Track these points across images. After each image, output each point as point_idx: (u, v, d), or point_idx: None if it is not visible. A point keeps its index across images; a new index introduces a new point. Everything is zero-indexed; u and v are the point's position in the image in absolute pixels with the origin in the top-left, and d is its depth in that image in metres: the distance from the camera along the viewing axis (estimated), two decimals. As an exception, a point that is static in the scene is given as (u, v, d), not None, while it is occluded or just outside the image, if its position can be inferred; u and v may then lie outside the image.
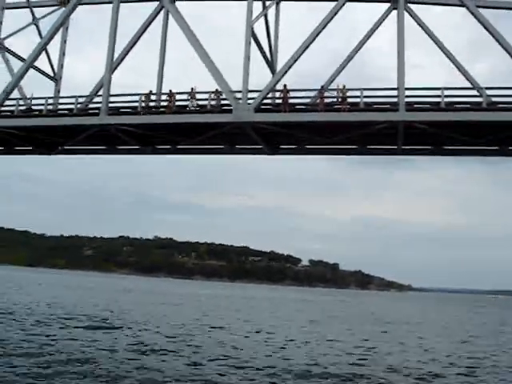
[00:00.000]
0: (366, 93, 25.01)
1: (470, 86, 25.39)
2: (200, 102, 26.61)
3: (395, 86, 24.00)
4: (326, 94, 25.65)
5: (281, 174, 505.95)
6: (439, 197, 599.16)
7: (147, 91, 27.82)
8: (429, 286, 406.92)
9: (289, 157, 30.76)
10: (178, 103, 26.92)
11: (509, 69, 23.66)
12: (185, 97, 27.10)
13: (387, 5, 26.83)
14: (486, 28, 23.41)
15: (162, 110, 27.26)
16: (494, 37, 23.28)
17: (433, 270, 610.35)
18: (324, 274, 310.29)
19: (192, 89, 26.61)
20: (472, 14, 23.77)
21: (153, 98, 27.76)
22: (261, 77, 26.89)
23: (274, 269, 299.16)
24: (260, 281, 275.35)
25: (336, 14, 24.84)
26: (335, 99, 25.63)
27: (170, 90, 27.00)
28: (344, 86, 25.02)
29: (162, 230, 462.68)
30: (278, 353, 29.73)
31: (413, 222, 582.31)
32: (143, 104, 27.28)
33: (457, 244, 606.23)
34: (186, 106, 26.75)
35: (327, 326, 47.38)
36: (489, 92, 24.39)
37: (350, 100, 25.20)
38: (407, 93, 24.02)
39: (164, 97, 27.64)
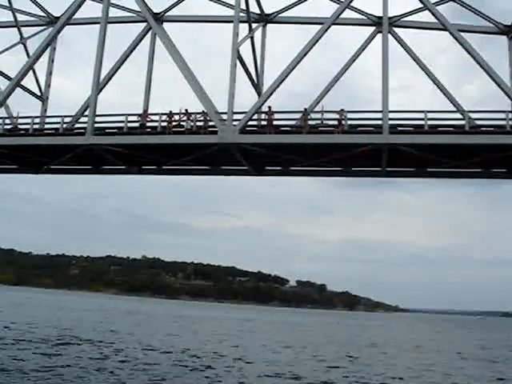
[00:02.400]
0: (351, 115, 25.27)
1: (453, 108, 25.84)
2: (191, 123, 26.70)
3: (380, 109, 24.19)
4: (311, 116, 25.88)
5: (270, 195, 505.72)
6: (426, 218, 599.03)
7: (137, 111, 27.97)
8: (415, 307, 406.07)
9: (277, 178, 30.89)
10: (163, 124, 26.97)
11: (495, 91, 23.94)
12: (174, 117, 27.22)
13: (373, 28, 27.27)
14: (468, 52, 23.69)
15: (148, 130, 27.35)
16: (476, 60, 23.56)
17: (420, 291, 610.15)
18: (311, 295, 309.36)
19: (186, 110, 26.69)
20: (455, 38, 24.05)
21: (153, 118, 27.76)
22: (248, 98, 27.09)
23: (261, 289, 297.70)
24: (247, 301, 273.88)
25: (321, 36, 25.12)
26: (320, 121, 25.84)
27: (170, 111, 26.95)
28: (342, 110, 25.10)
29: (149, 249, 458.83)
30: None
31: (400, 243, 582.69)
32: (138, 124, 27.36)
33: (444, 265, 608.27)
34: (175, 126, 26.77)
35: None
36: (473, 115, 24.72)
37: (333, 123, 25.41)
38: (392, 115, 24.24)
39: (164, 117, 27.49)
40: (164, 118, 26.84)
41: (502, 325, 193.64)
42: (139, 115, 27.71)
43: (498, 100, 24.49)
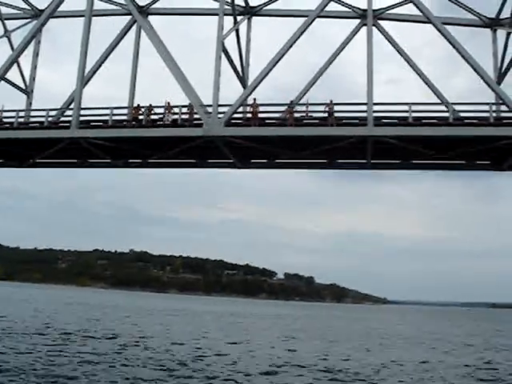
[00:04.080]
0: (336, 107, 25.35)
1: (438, 101, 25.98)
2: (173, 116, 26.72)
3: (365, 101, 24.28)
4: (296, 109, 25.95)
5: (258, 188, 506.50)
6: (416, 210, 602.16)
7: (125, 105, 28.02)
8: (403, 298, 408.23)
9: (266, 171, 30.97)
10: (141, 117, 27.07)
11: (481, 84, 24.05)
12: (158, 111, 27.24)
13: (358, 21, 27.34)
14: (452, 44, 23.83)
15: (133, 123, 27.32)
16: (459, 53, 23.69)
17: (408, 283, 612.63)
18: (299, 288, 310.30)
19: (168, 103, 26.71)
20: (439, 30, 24.19)
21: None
22: (234, 91, 27.13)
23: (249, 282, 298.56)
24: (236, 294, 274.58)
25: (306, 29, 25.21)
26: (304, 114, 25.94)
27: (150, 104, 27.02)
28: (331, 101, 25.14)
29: (137, 243, 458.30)
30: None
31: (389, 235, 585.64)
32: (130, 118, 27.40)
33: (433, 257, 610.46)
34: (157, 119, 26.83)
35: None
36: (460, 108, 24.92)
37: (318, 115, 25.57)
38: (378, 108, 24.41)
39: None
40: (144, 111, 27.02)
41: (491, 316, 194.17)
42: (133, 108, 27.71)
43: (484, 93, 24.70)
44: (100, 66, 29.35)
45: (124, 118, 27.89)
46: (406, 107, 24.38)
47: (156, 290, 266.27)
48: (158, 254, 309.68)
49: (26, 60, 31.25)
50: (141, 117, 27.25)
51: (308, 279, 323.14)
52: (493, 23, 27.79)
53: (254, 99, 25.64)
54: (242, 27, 29.18)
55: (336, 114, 25.13)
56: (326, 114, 24.98)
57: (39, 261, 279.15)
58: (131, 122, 27.13)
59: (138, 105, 27.96)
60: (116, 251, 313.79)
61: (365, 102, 24.22)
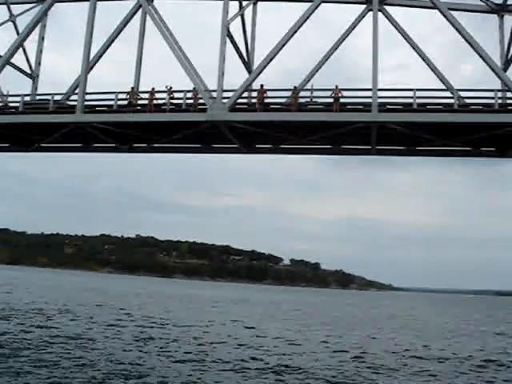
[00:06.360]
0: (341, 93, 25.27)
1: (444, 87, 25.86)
2: (176, 101, 26.67)
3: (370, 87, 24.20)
4: (301, 94, 25.89)
5: (265, 174, 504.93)
6: (421, 197, 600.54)
7: (128, 89, 27.91)
8: (408, 285, 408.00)
9: (272, 156, 31.00)
10: (154, 102, 27.02)
11: (489, 71, 23.86)
12: (161, 95, 27.19)
13: (363, 6, 27.14)
14: (457, 30, 23.61)
15: (138, 108, 27.33)
16: (465, 39, 23.50)
17: (413, 269, 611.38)
18: (305, 274, 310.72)
19: (170, 87, 26.65)
20: (444, 16, 24.01)
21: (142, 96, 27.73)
22: (240, 77, 27.07)
23: (255, 268, 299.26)
24: (241, 279, 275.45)
25: (311, 14, 25.05)
26: (309, 99, 25.90)
27: (153, 88, 26.99)
28: (337, 87, 25.04)
29: (143, 228, 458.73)
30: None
31: (394, 222, 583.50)
32: (126, 102, 27.35)
33: (437, 244, 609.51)
34: (162, 104, 26.81)
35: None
36: (466, 94, 24.81)
37: (323, 100, 25.50)
38: (382, 94, 24.32)
39: (146, 95, 27.60)
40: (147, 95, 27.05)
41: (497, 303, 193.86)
42: (128, 93, 27.68)
43: (492, 79, 24.50)
44: (105, 50, 29.20)
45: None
46: (411, 93, 24.33)
47: (163, 275, 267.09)
48: (164, 239, 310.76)
49: (31, 45, 31.30)
50: (140, 101, 27.28)
51: (314, 265, 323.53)
52: (500, 9, 27.56)
53: (262, 85, 25.59)
54: (248, 12, 29.04)
55: (341, 100, 25.10)
56: (331, 100, 24.93)
57: (46, 245, 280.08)
58: (128, 106, 27.10)
59: (132, 88, 27.96)
60: (122, 236, 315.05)
61: (370, 87, 24.17)
